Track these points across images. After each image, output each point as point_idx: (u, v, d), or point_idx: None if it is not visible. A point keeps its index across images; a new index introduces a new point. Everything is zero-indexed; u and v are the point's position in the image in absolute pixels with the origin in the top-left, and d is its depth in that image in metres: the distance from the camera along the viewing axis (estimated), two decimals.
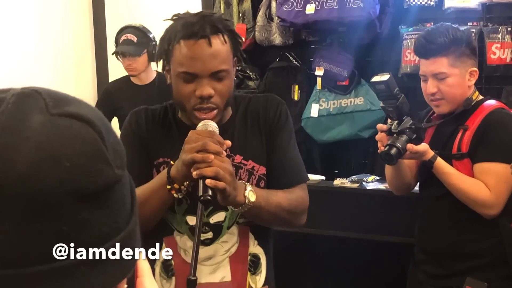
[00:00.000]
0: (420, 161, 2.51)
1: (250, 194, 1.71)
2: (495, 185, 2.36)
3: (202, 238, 1.85)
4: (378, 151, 2.40)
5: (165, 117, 1.92)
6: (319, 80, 4.14)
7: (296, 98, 4.26)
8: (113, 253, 0.67)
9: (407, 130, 2.35)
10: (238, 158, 1.87)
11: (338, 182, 3.75)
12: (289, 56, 4.28)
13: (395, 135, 2.36)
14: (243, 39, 1.90)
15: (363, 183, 3.70)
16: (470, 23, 3.73)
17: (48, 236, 0.62)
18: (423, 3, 3.83)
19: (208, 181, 1.58)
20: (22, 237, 0.62)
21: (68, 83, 4.96)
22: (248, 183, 1.75)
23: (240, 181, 1.76)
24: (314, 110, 4.16)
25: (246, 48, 4.30)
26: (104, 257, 0.66)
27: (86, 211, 0.64)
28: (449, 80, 2.43)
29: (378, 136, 2.42)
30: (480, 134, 2.41)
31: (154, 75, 4.17)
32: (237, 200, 1.68)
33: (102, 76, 5.21)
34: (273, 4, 4.18)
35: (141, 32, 4.10)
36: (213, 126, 1.72)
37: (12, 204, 0.61)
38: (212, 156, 1.60)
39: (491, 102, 2.50)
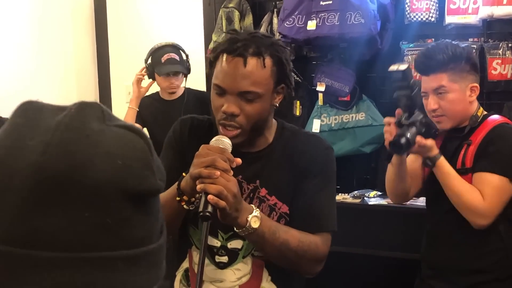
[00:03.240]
0: (426, 176, 2.53)
1: (253, 220, 1.68)
2: (489, 195, 2.37)
3: (217, 261, 1.85)
4: (385, 142, 2.40)
5: (208, 131, 1.89)
6: (320, 95, 4.15)
7: (297, 113, 4.27)
8: (146, 259, 0.72)
9: (417, 123, 2.36)
10: (263, 191, 1.85)
11: (340, 197, 3.76)
12: None
13: (405, 126, 2.36)
14: (292, 66, 1.86)
15: (365, 198, 3.71)
16: (471, 39, 3.75)
17: (94, 226, 0.68)
18: (424, 19, 3.85)
19: (209, 197, 1.58)
20: (70, 222, 0.67)
21: (70, 98, 4.98)
22: (257, 209, 1.71)
23: (250, 205, 1.74)
24: (315, 125, 4.16)
25: None
26: (138, 260, 0.71)
27: (130, 210, 0.70)
28: (450, 96, 2.45)
29: (386, 128, 2.42)
30: (483, 148, 2.43)
31: (182, 90, 4.20)
32: (238, 221, 1.67)
33: (104, 91, 5.23)
34: (275, 20, 4.20)
35: (179, 50, 4.13)
36: (226, 142, 1.71)
37: (67, 191, 0.67)
38: (218, 173, 1.60)
39: (495, 117, 2.52)
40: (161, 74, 4.06)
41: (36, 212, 0.67)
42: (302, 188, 1.85)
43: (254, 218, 1.68)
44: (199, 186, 1.61)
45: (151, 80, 4.15)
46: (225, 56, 1.75)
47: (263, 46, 1.75)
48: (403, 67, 2.36)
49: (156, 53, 4.10)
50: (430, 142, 2.38)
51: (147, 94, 4.31)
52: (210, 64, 1.81)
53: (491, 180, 2.38)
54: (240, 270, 1.86)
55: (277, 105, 1.83)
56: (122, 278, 0.70)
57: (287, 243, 1.75)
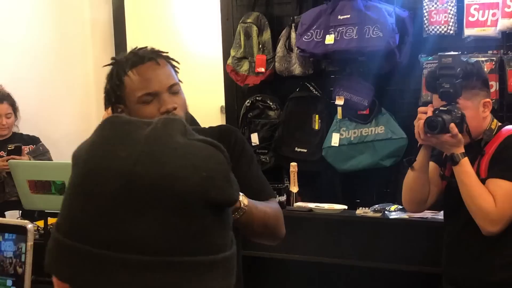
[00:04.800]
0: (443, 187, 2.52)
1: (243, 198, 1.72)
2: (501, 201, 2.35)
3: None
4: (415, 121, 2.41)
5: None
6: (339, 109, 4.14)
7: (316, 127, 4.26)
8: (222, 266, 0.77)
9: (453, 113, 2.36)
10: None
11: (360, 211, 3.74)
12: (309, 86, 4.29)
13: (441, 111, 2.37)
14: (176, 65, 1.98)
15: (386, 212, 3.68)
16: (490, 51, 3.73)
17: (180, 232, 0.73)
18: (443, 32, 3.83)
19: None
20: (159, 228, 0.73)
21: (90, 114, 5.02)
22: None
23: None
24: (334, 139, 4.16)
25: (266, 79, 4.34)
26: (216, 266, 0.76)
27: (210, 218, 0.75)
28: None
29: (421, 109, 2.45)
30: (496, 155, 2.42)
31: None
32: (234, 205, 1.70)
33: None
34: (293, 35, 4.21)
35: None
36: None
37: (158, 198, 0.73)
38: None
39: (510, 127, 2.51)
40: None
41: (128, 218, 0.72)
42: (235, 169, 1.90)
43: (242, 196, 1.72)
44: None
45: None
46: (133, 70, 1.83)
47: (153, 51, 1.91)
48: (455, 53, 2.37)
49: None
50: (460, 135, 2.36)
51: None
52: (115, 94, 1.85)
53: (503, 186, 2.37)
54: None
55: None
56: (203, 283, 0.75)
57: (266, 211, 1.83)
